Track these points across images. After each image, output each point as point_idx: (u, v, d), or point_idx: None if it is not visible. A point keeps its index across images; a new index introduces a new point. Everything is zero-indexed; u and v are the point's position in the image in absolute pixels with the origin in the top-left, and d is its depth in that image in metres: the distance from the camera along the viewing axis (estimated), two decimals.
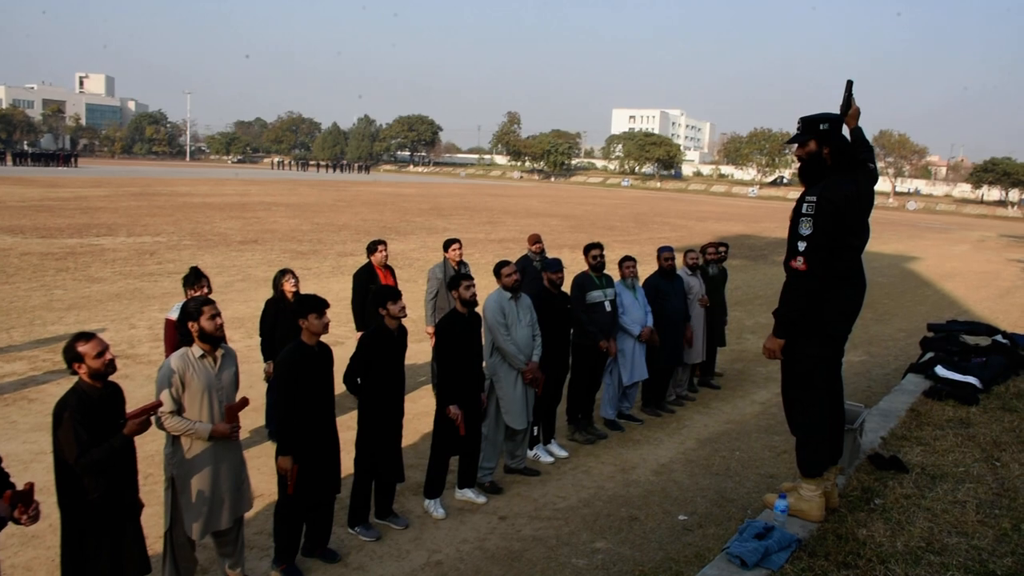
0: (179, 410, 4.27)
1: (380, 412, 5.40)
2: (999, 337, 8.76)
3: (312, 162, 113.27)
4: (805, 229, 4.03)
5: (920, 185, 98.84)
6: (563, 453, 7.19)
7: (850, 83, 4.22)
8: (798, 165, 4.32)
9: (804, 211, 4.05)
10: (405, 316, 5.56)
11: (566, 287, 7.30)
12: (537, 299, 6.79)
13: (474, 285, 5.92)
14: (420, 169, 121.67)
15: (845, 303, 4.22)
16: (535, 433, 7.10)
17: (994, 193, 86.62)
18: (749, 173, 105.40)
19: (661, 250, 8.64)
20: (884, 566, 3.80)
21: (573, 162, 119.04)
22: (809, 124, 4.19)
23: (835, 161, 4.14)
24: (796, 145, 4.25)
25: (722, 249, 10.02)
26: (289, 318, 6.74)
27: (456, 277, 5.94)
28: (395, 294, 5.49)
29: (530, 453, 7.02)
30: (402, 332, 5.57)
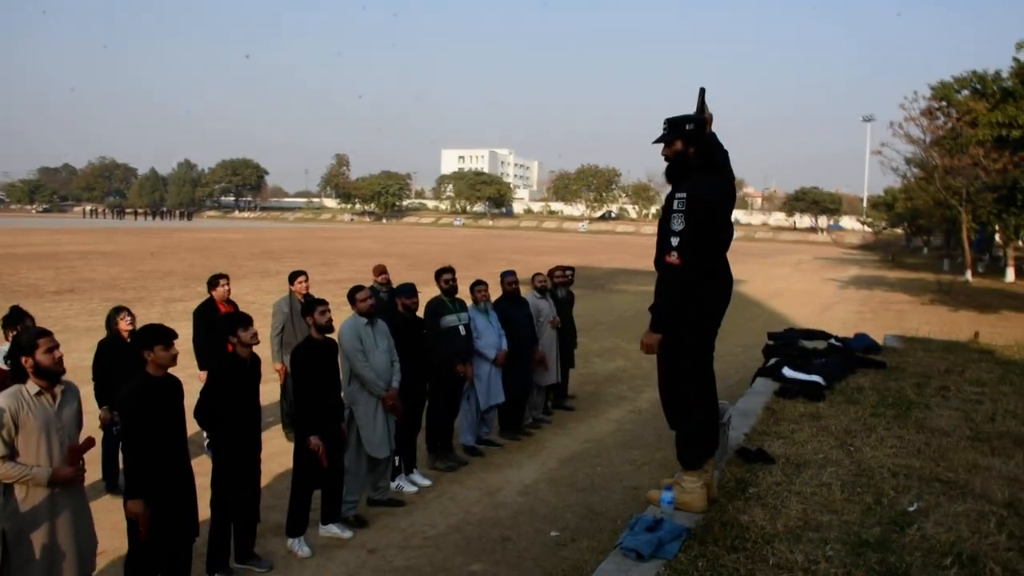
0: (11, 455, 3.86)
1: (236, 446, 5.13)
2: (833, 340, 9.51)
3: (129, 210, 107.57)
4: (677, 225, 4.12)
5: (739, 215, 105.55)
6: (426, 482, 7.08)
7: (703, 90, 4.37)
8: (665, 166, 4.39)
9: (676, 207, 4.14)
10: (257, 343, 5.34)
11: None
12: (392, 325, 6.71)
13: (329, 310, 5.77)
14: (246, 214, 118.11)
15: (715, 298, 4.38)
16: (396, 463, 6.96)
17: (805, 220, 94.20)
18: (579, 209, 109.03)
19: (504, 275, 8.76)
20: (769, 546, 3.98)
21: (404, 203, 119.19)
22: (675, 124, 4.30)
23: (700, 161, 4.27)
24: (662, 145, 4.35)
25: (568, 272, 10.28)
26: (126, 359, 6.35)
27: (311, 302, 5.79)
28: (246, 320, 5.27)
29: (392, 484, 6.87)
30: (255, 361, 5.35)
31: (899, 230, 70.13)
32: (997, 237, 41.00)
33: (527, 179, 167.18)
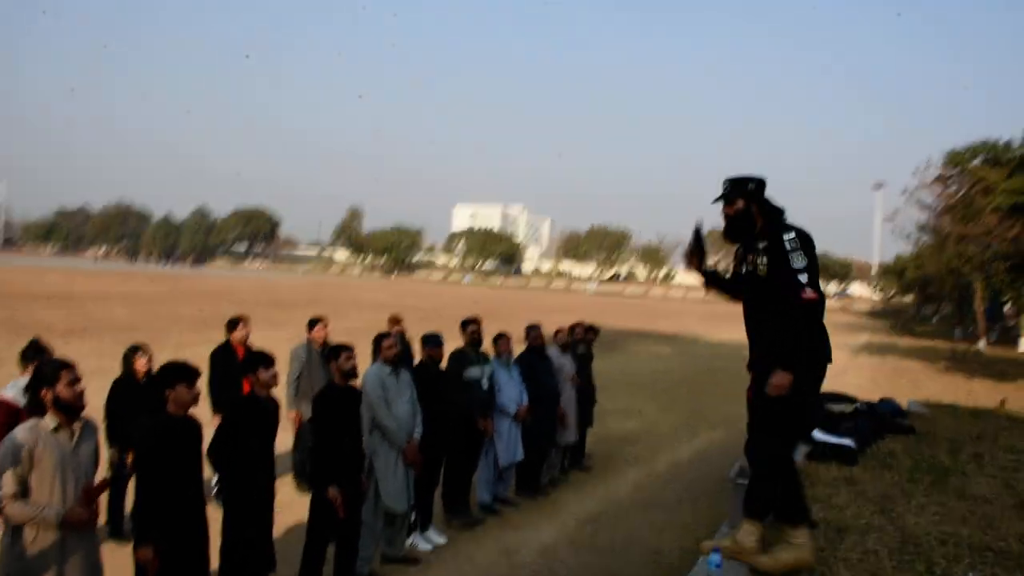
0: (24, 493, 3.68)
1: (250, 491, 4.90)
2: (859, 405, 9.29)
3: (142, 255, 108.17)
4: (799, 262, 4.11)
5: None
6: (442, 540, 6.82)
7: (698, 228, 4.53)
8: (724, 225, 4.46)
9: (789, 247, 4.14)
10: (276, 385, 5.17)
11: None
12: (415, 374, 6.55)
13: (355, 356, 5.61)
14: (256, 264, 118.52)
15: (825, 334, 4.32)
16: (411, 519, 6.72)
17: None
18: (588, 269, 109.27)
19: (529, 328, 8.61)
20: None
21: (414, 258, 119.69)
22: (737, 183, 4.39)
23: (765, 217, 4.34)
24: (723, 203, 4.42)
25: (591, 335, 10.14)
26: (139, 399, 6.20)
27: (336, 347, 5.62)
28: (267, 359, 5.08)
29: (407, 541, 6.62)
30: (273, 403, 5.16)
31: (909, 298, 69.88)
32: (1007, 307, 40.88)
33: (538, 236, 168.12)
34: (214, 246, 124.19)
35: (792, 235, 4.17)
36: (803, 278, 4.10)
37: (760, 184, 4.39)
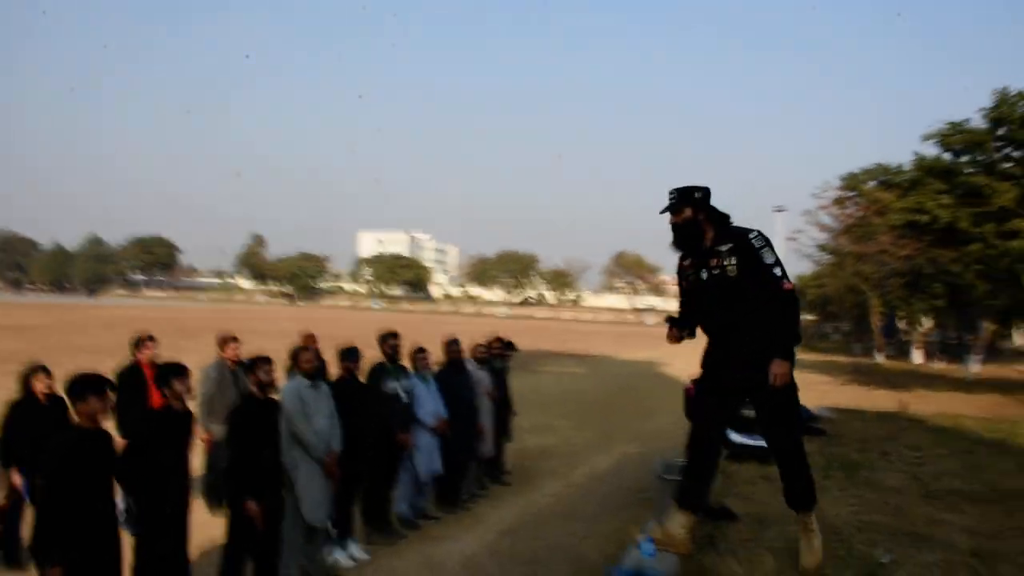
0: None
1: (164, 506, 4.75)
2: None
3: (30, 285, 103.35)
4: (770, 257, 4.40)
5: (655, 301, 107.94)
6: (363, 555, 6.72)
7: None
8: (672, 235, 4.66)
9: (757, 245, 4.41)
10: (192, 398, 5.05)
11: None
12: (334, 388, 6.48)
13: (274, 369, 5.53)
14: (157, 293, 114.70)
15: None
16: (331, 534, 6.61)
17: None
18: (497, 294, 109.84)
19: (449, 342, 8.64)
20: None
21: (321, 285, 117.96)
22: (683, 193, 4.58)
23: (715, 223, 4.57)
24: (670, 213, 4.61)
25: (508, 353, 10.23)
26: (40, 421, 5.94)
27: (255, 359, 5.53)
28: (181, 370, 4.96)
29: (328, 557, 6.51)
30: (188, 416, 5.03)
31: (810, 316, 72.60)
32: (903, 323, 43.00)
33: (445, 264, 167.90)
34: (109, 275, 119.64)
35: (755, 234, 4.44)
36: (778, 271, 4.39)
37: (706, 192, 4.60)
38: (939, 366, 33.53)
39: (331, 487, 6.11)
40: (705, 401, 4.76)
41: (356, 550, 6.73)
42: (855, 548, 4.82)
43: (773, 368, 4.33)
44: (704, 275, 4.57)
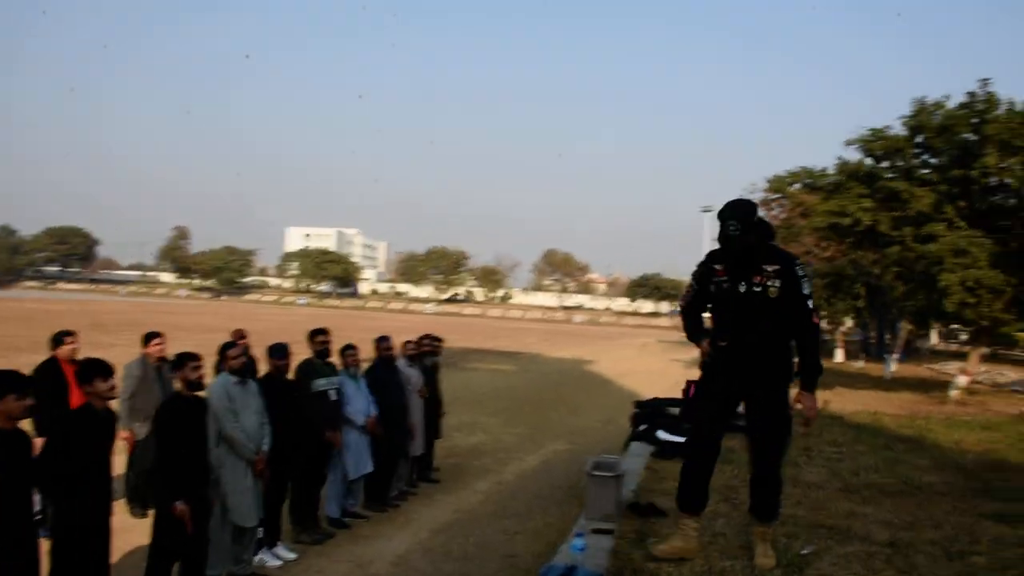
0: None
1: (86, 510, 4.63)
2: None
3: None
4: (807, 288, 4.60)
5: (584, 300, 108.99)
6: (291, 555, 6.67)
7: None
8: (727, 253, 4.68)
9: (801, 273, 4.56)
10: (115, 397, 4.95)
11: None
12: (262, 386, 6.42)
13: (202, 366, 5.45)
14: (72, 286, 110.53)
15: None
16: (259, 535, 6.55)
17: (648, 305, 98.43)
18: (426, 291, 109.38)
19: (380, 339, 8.62)
20: None
21: (246, 280, 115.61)
22: (748, 219, 4.61)
23: (763, 241, 4.67)
24: (735, 237, 4.59)
25: (436, 343, 10.25)
26: None
27: (182, 355, 5.43)
28: (105, 369, 4.82)
29: (255, 558, 6.45)
30: (110, 415, 4.92)
31: None
32: (825, 323, 44.37)
33: (374, 260, 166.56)
34: (21, 267, 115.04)
35: (799, 263, 4.62)
36: (811, 304, 4.59)
37: (756, 211, 4.74)
38: (860, 365, 34.63)
39: (260, 487, 6.05)
40: (706, 405, 4.88)
41: (284, 551, 6.68)
42: (776, 541, 5.00)
43: (805, 402, 4.58)
44: (743, 288, 4.63)
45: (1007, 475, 8.33)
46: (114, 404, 5.27)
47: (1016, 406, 18.38)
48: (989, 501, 7.03)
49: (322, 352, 7.45)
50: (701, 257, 4.87)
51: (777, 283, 4.53)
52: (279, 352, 6.77)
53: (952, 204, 20.21)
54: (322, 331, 7.53)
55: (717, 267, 4.75)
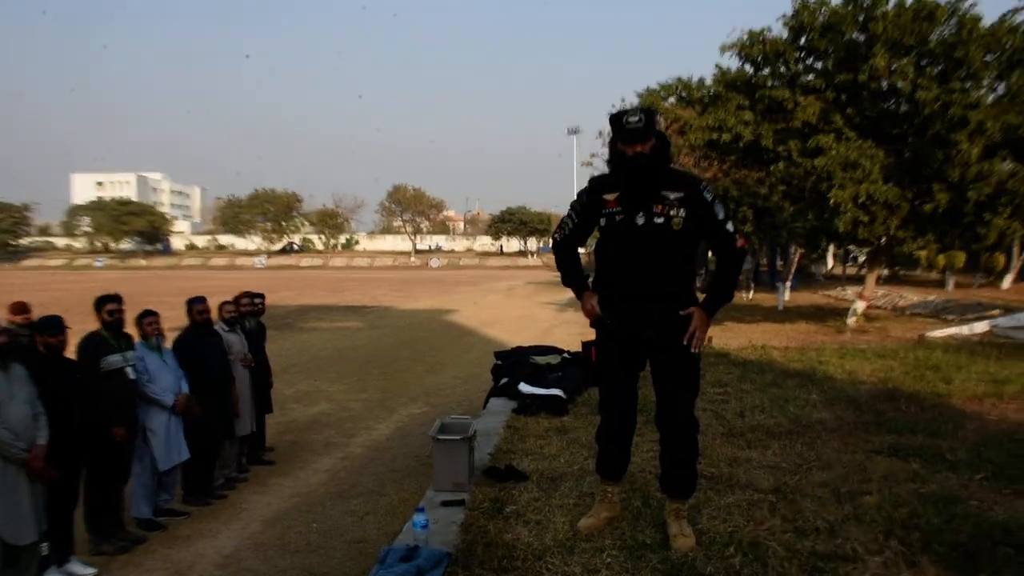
0: None
1: None
2: (567, 355, 9.94)
3: None
4: (722, 211, 4.34)
5: (440, 240, 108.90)
6: (89, 571, 6.26)
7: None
8: (627, 166, 4.29)
9: (710, 197, 4.30)
10: None
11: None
12: (31, 369, 5.92)
13: None
14: None
15: None
16: (45, 552, 6.10)
17: (514, 243, 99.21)
18: (254, 241, 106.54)
19: (193, 301, 8.18)
20: (542, 562, 4.14)
21: (24, 241, 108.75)
22: (651, 117, 4.27)
23: (666, 162, 4.39)
24: (634, 140, 4.24)
25: (258, 300, 9.85)
26: None
27: None
28: None
29: None
30: None
31: None
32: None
33: (187, 209, 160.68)
34: None
35: (705, 185, 4.36)
36: (730, 227, 4.36)
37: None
38: (750, 296, 35.78)
39: (40, 492, 5.61)
40: (611, 372, 4.69)
41: (79, 567, 6.26)
42: (651, 495, 5.07)
43: (696, 320, 4.31)
44: (640, 220, 4.28)
45: (900, 404, 8.73)
46: None
47: (916, 330, 19.46)
48: (882, 434, 7.36)
49: (114, 324, 6.97)
50: (572, 186, 4.65)
51: (682, 212, 4.25)
52: (51, 327, 6.25)
53: (840, 112, 20.58)
54: (111, 298, 7.04)
55: (607, 197, 4.41)
